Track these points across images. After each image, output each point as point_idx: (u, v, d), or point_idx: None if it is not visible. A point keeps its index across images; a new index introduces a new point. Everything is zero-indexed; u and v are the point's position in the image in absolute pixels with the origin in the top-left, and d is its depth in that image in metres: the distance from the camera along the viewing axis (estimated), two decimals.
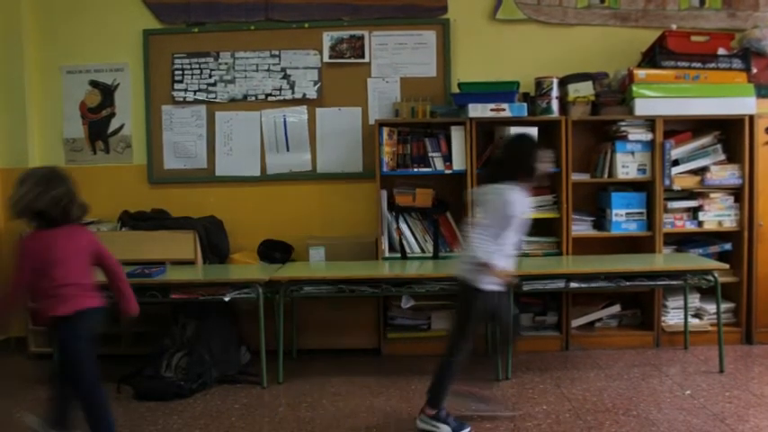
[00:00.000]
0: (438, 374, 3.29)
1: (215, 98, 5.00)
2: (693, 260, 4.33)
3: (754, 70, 4.58)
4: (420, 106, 4.68)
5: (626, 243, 4.72)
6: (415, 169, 4.58)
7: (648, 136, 4.52)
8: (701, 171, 4.59)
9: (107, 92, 5.05)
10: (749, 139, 4.50)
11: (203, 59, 4.99)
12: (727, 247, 4.64)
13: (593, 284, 4.05)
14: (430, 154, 4.58)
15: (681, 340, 4.56)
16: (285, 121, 4.97)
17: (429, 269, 4.32)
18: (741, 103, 4.49)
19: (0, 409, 3.76)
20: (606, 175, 4.60)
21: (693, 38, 4.63)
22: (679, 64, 4.53)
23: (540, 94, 4.58)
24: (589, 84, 4.58)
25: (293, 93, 4.97)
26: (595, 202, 4.80)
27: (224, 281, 4.05)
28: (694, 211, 4.61)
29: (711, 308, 4.51)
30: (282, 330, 4.08)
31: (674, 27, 4.73)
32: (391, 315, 4.65)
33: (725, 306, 4.49)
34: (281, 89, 4.97)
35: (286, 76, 4.97)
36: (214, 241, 4.67)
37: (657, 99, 4.49)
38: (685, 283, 4.11)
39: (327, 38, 4.94)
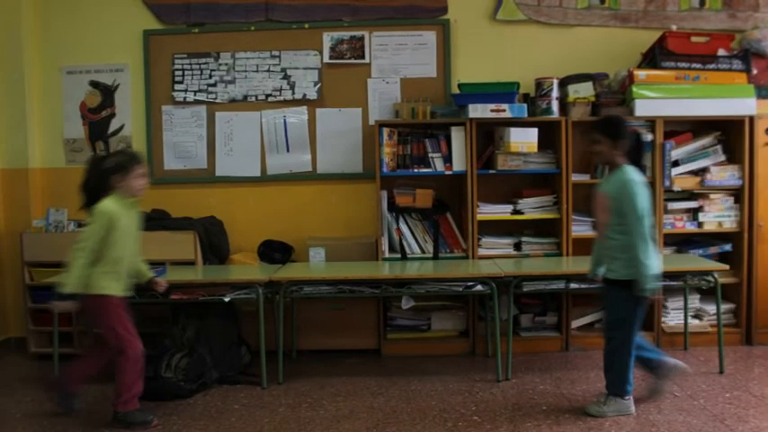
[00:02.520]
0: None
1: (215, 98, 5.00)
2: (693, 261, 4.33)
3: (755, 71, 4.58)
4: (420, 107, 4.67)
5: None
6: (416, 170, 4.58)
7: (648, 137, 4.52)
8: (701, 172, 4.59)
9: (107, 92, 5.05)
10: (749, 139, 4.51)
11: (203, 60, 4.99)
12: (727, 247, 4.64)
13: (592, 285, 4.04)
14: (430, 154, 4.58)
15: (681, 341, 4.56)
16: (285, 122, 4.97)
17: (429, 270, 4.32)
18: (741, 104, 4.49)
19: (0, 409, 3.76)
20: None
21: (693, 39, 4.63)
22: (679, 65, 4.54)
23: (540, 94, 4.58)
24: (589, 84, 4.58)
25: (293, 93, 4.97)
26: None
27: (224, 281, 4.05)
28: (694, 212, 4.61)
29: (711, 309, 4.51)
30: (282, 331, 4.08)
31: (674, 28, 4.73)
32: (391, 316, 4.65)
33: (725, 307, 4.48)
34: (281, 90, 4.98)
35: (286, 77, 4.97)
36: (214, 242, 4.67)
37: (657, 100, 4.49)
38: (685, 283, 4.11)
39: (327, 38, 4.95)
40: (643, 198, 3.27)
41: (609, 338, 3.44)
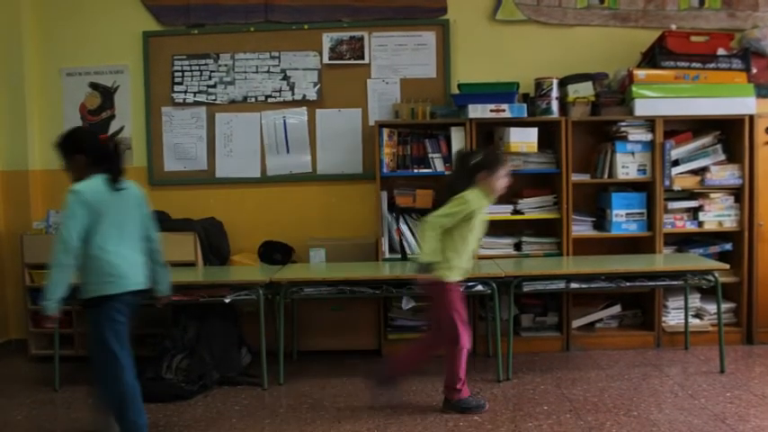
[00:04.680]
0: None
1: (215, 100, 5.00)
2: (694, 260, 4.33)
3: (754, 70, 4.58)
4: (420, 107, 4.68)
5: (626, 243, 4.72)
6: (415, 170, 4.59)
7: (648, 136, 4.52)
8: (701, 171, 4.59)
9: (107, 94, 5.05)
10: (749, 139, 4.51)
11: (203, 61, 4.99)
12: (728, 247, 4.64)
13: (593, 285, 4.05)
14: (430, 155, 4.58)
15: (681, 340, 4.55)
16: (285, 123, 4.97)
17: None
18: (741, 103, 4.49)
19: (1, 410, 3.76)
20: (606, 176, 4.60)
21: (693, 38, 4.63)
22: (679, 64, 4.53)
23: (539, 94, 4.58)
24: (589, 84, 4.58)
25: (293, 94, 4.97)
26: (595, 203, 4.80)
27: (224, 282, 4.05)
28: (694, 212, 4.61)
29: (712, 308, 4.50)
30: (283, 332, 4.08)
31: (673, 27, 4.73)
32: (392, 316, 4.65)
33: (725, 306, 4.49)
34: (280, 90, 4.98)
35: (286, 78, 4.97)
36: (214, 243, 4.67)
37: (657, 99, 4.49)
38: (686, 283, 4.11)
39: (327, 39, 4.95)
40: (75, 214, 2.91)
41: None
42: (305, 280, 4.07)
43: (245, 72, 4.99)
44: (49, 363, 4.23)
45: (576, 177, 4.57)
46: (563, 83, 4.60)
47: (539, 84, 4.59)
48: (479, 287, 3.99)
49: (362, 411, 3.58)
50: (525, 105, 4.49)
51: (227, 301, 3.95)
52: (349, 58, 4.95)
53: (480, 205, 3.45)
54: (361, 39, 4.94)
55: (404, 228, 4.61)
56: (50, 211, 4.70)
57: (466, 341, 3.50)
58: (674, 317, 4.64)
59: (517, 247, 4.65)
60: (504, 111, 4.44)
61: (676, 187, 4.56)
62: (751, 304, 4.57)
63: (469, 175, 3.46)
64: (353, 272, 4.16)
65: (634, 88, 4.48)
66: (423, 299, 3.79)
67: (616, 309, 4.71)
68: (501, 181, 3.50)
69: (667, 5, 4.90)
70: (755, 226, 4.53)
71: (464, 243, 3.46)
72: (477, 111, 4.44)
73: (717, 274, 4.03)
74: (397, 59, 4.93)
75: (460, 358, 3.50)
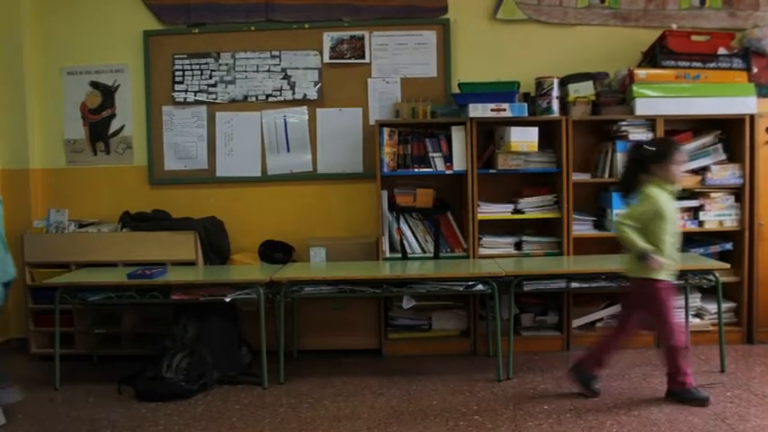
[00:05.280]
0: None
1: (215, 99, 5.00)
2: (694, 260, 4.32)
3: (755, 70, 4.57)
4: (420, 106, 4.68)
5: None
6: (416, 169, 4.58)
7: (649, 136, 4.52)
8: (702, 171, 4.59)
9: (107, 93, 5.05)
10: (750, 138, 4.50)
11: (204, 60, 4.99)
12: (728, 246, 4.64)
13: (593, 284, 4.05)
14: (430, 154, 4.58)
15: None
16: (285, 122, 4.97)
17: (430, 269, 4.32)
18: (741, 103, 4.49)
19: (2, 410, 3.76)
20: (607, 175, 4.59)
21: (694, 37, 4.63)
22: (679, 64, 4.53)
23: (540, 94, 4.58)
24: (589, 84, 4.58)
25: (294, 93, 4.97)
26: (596, 202, 4.79)
27: (225, 281, 4.05)
28: (695, 211, 4.60)
29: (712, 307, 4.50)
30: (283, 331, 4.08)
31: (674, 27, 4.73)
32: (392, 315, 4.65)
33: (726, 306, 4.49)
34: (281, 90, 4.98)
35: (286, 77, 4.97)
36: (215, 242, 4.67)
37: (658, 99, 4.49)
38: (686, 282, 4.10)
39: (328, 38, 4.95)
40: None
41: None
42: (305, 279, 4.08)
43: (246, 71, 4.99)
44: (49, 361, 4.24)
45: (577, 177, 4.56)
46: (564, 82, 4.60)
47: (539, 83, 4.59)
48: (480, 286, 3.99)
49: (362, 411, 3.59)
50: (526, 105, 4.49)
51: (227, 300, 3.96)
52: (349, 58, 4.95)
53: (665, 198, 3.47)
54: (362, 38, 4.94)
55: (404, 227, 4.61)
56: (51, 210, 4.70)
57: (681, 340, 3.53)
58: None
59: (517, 246, 4.64)
60: (504, 110, 4.43)
61: (677, 187, 4.55)
62: (751, 304, 4.57)
63: (646, 169, 3.49)
64: (354, 271, 4.16)
65: (635, 88, 4.48)
66: (625, 295, 3.79)
67: (616, 308, 4.71)
68: (679, 168, 3.51)
69: (668, 5, 4.90)
70: (756, 225, 4.53)
71: (663, 238, 3.46)
72: (478, 110, 4.44)
73: (717, 274, 4.04)
74: (398, 59, 4.93)
75: (679, 357, 3.53)
